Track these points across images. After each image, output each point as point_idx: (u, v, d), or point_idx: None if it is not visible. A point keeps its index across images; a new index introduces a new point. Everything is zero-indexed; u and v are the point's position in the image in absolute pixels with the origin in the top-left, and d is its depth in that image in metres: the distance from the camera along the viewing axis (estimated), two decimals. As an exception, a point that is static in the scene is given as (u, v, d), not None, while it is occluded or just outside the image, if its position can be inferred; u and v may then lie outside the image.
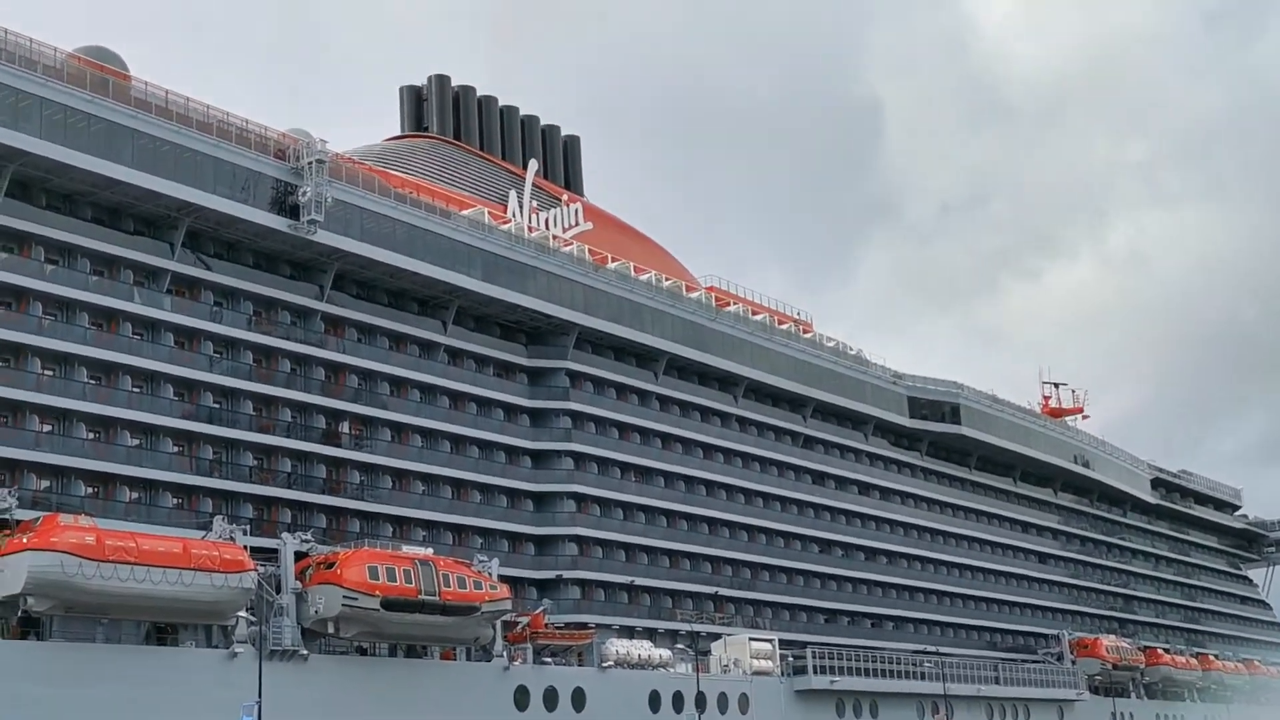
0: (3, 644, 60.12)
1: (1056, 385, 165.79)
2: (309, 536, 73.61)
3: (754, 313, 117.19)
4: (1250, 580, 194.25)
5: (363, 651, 75.08)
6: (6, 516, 62.32)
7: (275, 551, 71.50)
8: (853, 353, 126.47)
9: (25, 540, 60.48)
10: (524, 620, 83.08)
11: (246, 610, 67.97)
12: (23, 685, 57.86)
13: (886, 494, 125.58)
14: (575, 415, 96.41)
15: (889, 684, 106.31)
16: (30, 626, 61.48)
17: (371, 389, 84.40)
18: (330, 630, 71.44)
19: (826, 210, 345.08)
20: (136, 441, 71.67)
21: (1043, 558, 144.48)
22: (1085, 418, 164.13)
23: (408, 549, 76.64)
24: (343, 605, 70.33)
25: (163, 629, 67.43)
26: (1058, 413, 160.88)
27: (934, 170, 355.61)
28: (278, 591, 70.41)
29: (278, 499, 77.28)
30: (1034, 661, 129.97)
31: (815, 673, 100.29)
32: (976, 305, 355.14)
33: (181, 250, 75.18)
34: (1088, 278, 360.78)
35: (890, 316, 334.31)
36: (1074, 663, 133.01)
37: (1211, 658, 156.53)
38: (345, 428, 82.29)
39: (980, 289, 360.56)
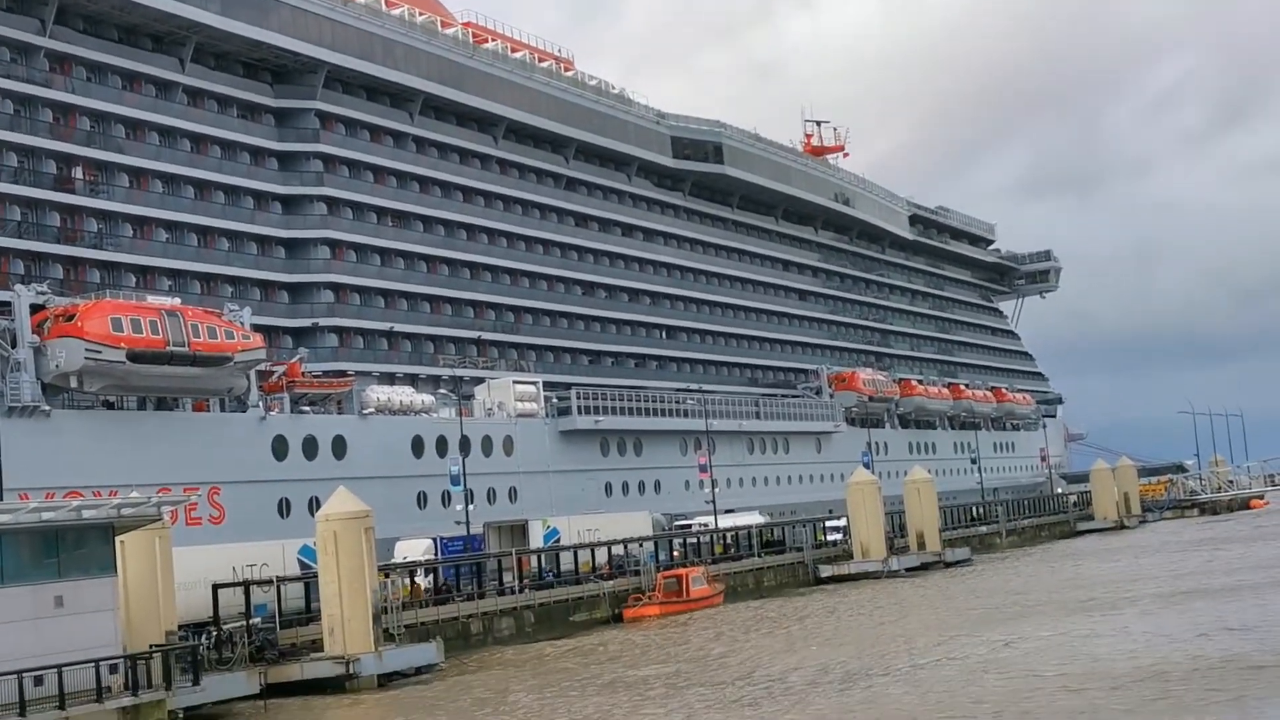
0: None
1: (819, 123, 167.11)
2: (45, 288, 70.01)
3: (513, 50, 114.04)
4: (1000, 312, 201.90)
5: (110, 405, 72.48)
6: None
7: (8, 304, 67.98)
8: (615, 92, 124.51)
9: None
10: (280, 369, 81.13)
11: (-20, 367, 64.98)
12: None
13: (650, 235, 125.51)
14: (326, 158, 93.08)
15: (652, 422, 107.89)
16: None
17: (105, 132, 79.77)
18: (74, 385, 68.76)
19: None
20: None
21: (803, 295, 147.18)
22: (846, 155, 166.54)
23: (153, 299, 73.66)
24: (85, 358, 67.53)
25: (-112, 389, 64.00)
26: (819, 151, 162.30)
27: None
28: (13, 346, 67.16)
29: (8, 249, 73.13)
30: (793, 396, 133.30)
31: (579, 413, 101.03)
32: (752, 38, 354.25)
33: (-119, -20, 69.12)
34: (863, 11, 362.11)
35: (664, 51, 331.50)
36: (832, 396, 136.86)
37: (962, 387, 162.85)
38: (79, 173, 77.83)
39: (757, 20, 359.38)
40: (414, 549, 69.06)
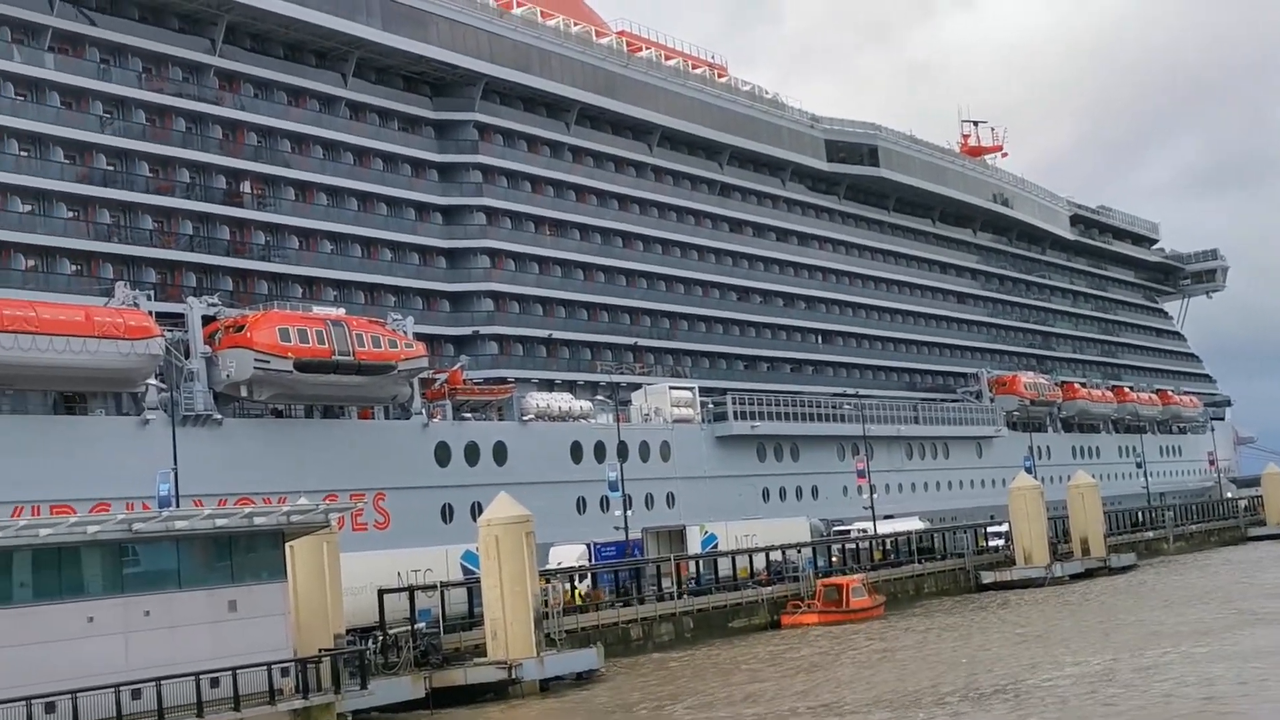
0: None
1: (976, 124, 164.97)
2: (215, 300, 72.40)
3: (666, 58, 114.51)
4: (1165, 313, 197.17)
5: (278, 414, 74.42)
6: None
7: (181, 316, 70.18)
8: (769, 97, 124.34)
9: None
10: (442, 377, 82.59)
11: (156, 377, 67.09)
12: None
13: (805, 239, 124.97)
14: (485, 169, 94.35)
15: (809, 427, 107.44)
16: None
17: (272, 146, 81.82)
18: (243, 394, 70.74)
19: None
20: (28, 208, 69.23)
21: (962, 298, 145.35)
22: (1004, 156, 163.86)
23: (319, 309, 75.48)
24: (255, 368, 69.46)
25: (71, 398, 66.34)
26: (977, 151, 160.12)
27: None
28: (186, 357, 69.27)
29: (181, 262, 75.30)
30: (953, 400, 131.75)
31: (736, 418, 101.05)
32: (910, 38, 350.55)
33: (61, 4, 71.58)
34: (1025, 6, 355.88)
35: (819, 54, 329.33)
36: (992, 400, 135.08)
37: (1126, 390, 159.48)
38: (247, 187, 79.94)
39: (915, 20, 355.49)
40: (568, 554, 69.73)
